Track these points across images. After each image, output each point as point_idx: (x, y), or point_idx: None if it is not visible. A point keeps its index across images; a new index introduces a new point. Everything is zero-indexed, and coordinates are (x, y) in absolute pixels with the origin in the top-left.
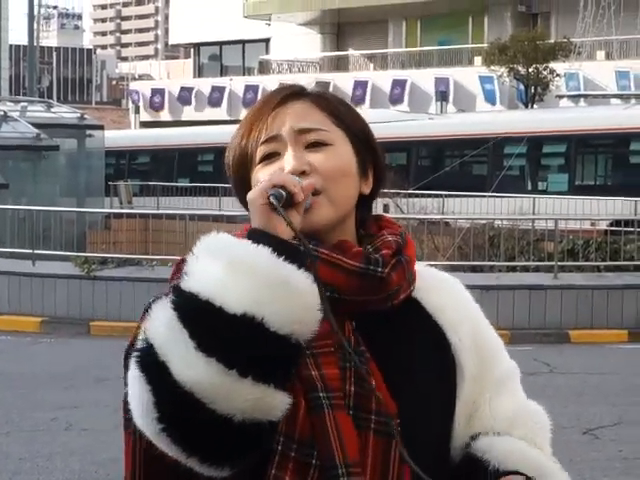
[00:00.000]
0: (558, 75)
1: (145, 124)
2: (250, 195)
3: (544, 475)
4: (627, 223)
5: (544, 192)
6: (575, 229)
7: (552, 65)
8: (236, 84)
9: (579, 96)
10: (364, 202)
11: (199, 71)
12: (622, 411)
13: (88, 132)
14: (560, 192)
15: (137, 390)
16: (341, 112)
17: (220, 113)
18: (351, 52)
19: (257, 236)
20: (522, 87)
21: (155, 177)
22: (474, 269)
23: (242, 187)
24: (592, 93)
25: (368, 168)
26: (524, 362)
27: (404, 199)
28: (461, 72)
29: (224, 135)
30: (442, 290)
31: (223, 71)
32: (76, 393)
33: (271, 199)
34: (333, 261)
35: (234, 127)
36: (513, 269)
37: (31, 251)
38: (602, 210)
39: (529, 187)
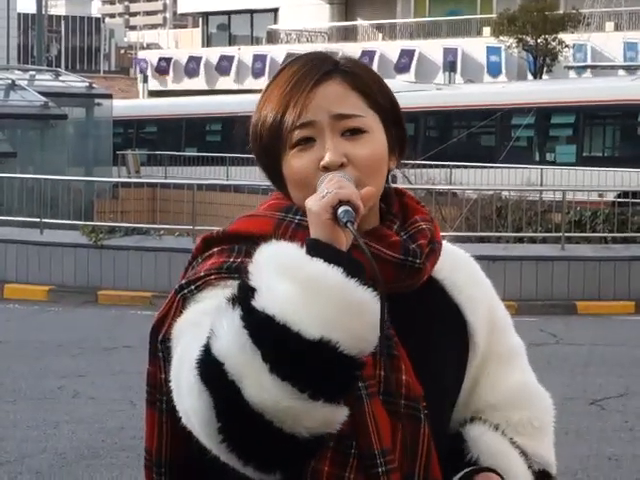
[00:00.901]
0: (567, 46)
1: (153, 93)
2: (312, 206)
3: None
4: (635, 194)
5: (552, 163)
6: (583, 200)
7: (561, 36)
8: (244, 54)
9: (588, 67)
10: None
11: (207, 41)
12: (628, 382)
13: (96, 101)
14: (568, 163)
15: (197, 402)
16: (373, 91)
17: (228, 82)
18: (359, 22)
19: (323, 251)
20: (531, 58)
21: (163, 147)
22: (481, 240)
23: (270, 162)
24: (601, 64)
25: (396, 143)
26: (531, 333)
27: (412, 170)
28: (470, 43)
29: (232, 105)
30: (459, 268)
31: (231, 41)
32: (83, 361)
33: (348, 225)
34: (372, 251)
35: (242, 97)
36: (520, 240)
37: (39, 220)
38: (610, 181)
39: (537, 158)
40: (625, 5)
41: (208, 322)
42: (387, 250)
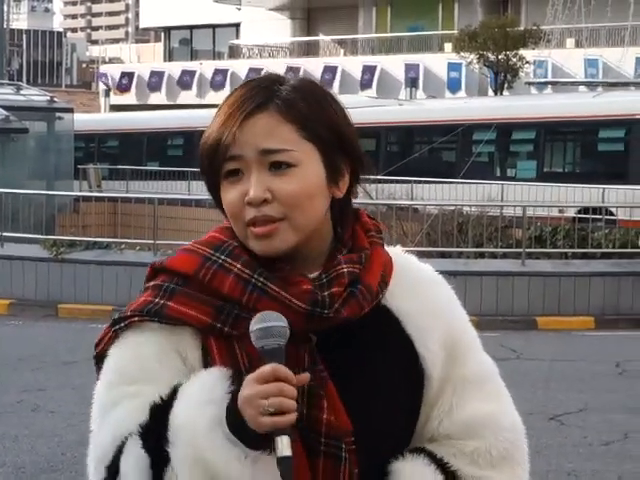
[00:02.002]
0: (528, 62)
1: (115, 107)
2: (245, 396)
3: None
4: (595, 211)
5: (513, 179)
6: (543, 216)
7: (522, 52)
8: (206, 68)
9: (549, 83)
10: (343, 199)
11: (169, 55)
12: (588, 397)
13: (57, 115)
14: (528, 179)
15: None
16: (309, 119)
17: (190, 96)
18: (321, 37)
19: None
20: (492, 74)
21: (124, 161)
22: (442, 255)
23: (212, 188)
24: (562, 80)
25: (342, 168)
26: (491, 348)
27: (373, 184)
28: (431, 58)
29: (193, 119)
30: (414, 294)
31: (193, 55)
32: (43, 375)
33: (275, 437)
34: (281, 300)
35: (203, 111)
36: (481, 255)
37: (0, 233)
38: (570, 197)
39: (498, 174)
40: (586, 22)
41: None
42: (295, 300)
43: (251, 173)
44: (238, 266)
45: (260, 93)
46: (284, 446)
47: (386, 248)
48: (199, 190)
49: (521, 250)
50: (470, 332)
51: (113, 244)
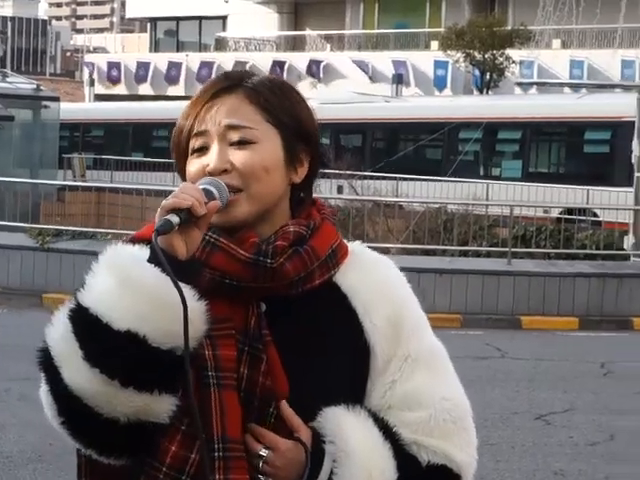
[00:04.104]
0: (514, 62)
1: (100, 97)
2: (156, 215)
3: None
4: (579, 211)
5: (498, 178)
6: (529, 216)
7: (508, 52)
8: (192, 60)
9: (539, 84)
10: (302, 187)
11: (155, 46)
12: (572, 397)
13: (43, 103)
14: (514, 178)
15: (43, 387)
16: (272, 105)
17: (177, 89)
18: (308, 32)
19: (154, 255)
20: (478, 73)
21: (109, 151)
22: (427, 253)
23: (179, 168)
24: (551, 81)
25: (301, 156)
26: (476, 347)
27: (359, 181)
28: (418, 56)
29: (179, 111)
30: (364, 273)
31: (179, 47)
32: (29, 364)
33: (153, 234)
34: (229, 251)
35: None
36: (465, 254)
37: None
38: (555, 198)
39: (484, 173)
40: (576, 23)
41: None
42: (240, 250)
43: (213, 146)
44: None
45: (229, 79)
46: (171, 216)
47: (346, 242)
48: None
49: (506, 249)
50: (417, 313)
51: (99, 234)
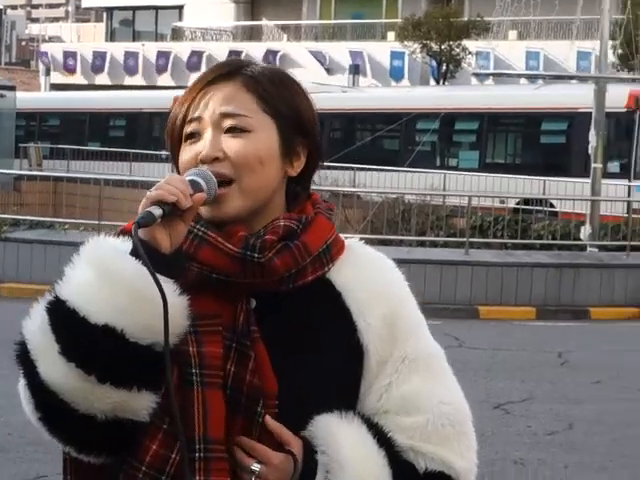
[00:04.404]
0: (470, 53)
1: (56, 87)
2: (140, 207)
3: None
4: (536, 202)
5: (455, 169)
6: (487, 206)
7: (465, 43)
8: (148, 50)
9: (497, 75)
10: (299, 181)
11: (111, 36)
12: (530, 387)
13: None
14: (471, 169)
15: (21, 380)
16: (270, 94)
17: (135, 79)
18: (265, 22)
19: (135, 247)
20: (434, 64)
21: (65, 140)
22: (385, 243)
23: (173, 156)
24: (510, 72)
25: (298, 149)
26: (434, 336)
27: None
28: (374, 46)
29: (135, 100)
30: (359, 271)
31: (135, 36)
32: None
33: (134, 226)
34: (217, 245)
35: (146, 93)
36: (423, 244)
37: None
38: (512, 188)
39: (441, 163)
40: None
41: None
42: (228, 244)
43: (207, 134)
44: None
45: (227, 67)
46: (153, 208)
47: (343, 238)
48: (141, 171)
49: (463, 239)
50: (415, 315)
51: (57, 224)
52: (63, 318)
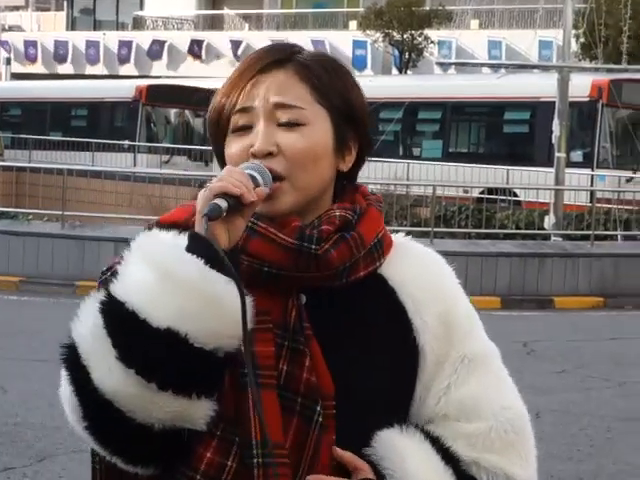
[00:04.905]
0: (432, 42)
1: (17, 76)
2: (199, 199)
3: None
4: (499, 191)
5: (418, 158)
6: (451, 196)
7: (427, 32)
8: (110, 39)
9: (462, 64)
10: (348, 176)
11: (72, 25)
12: None
13: None
14: (434, 158)
15: (66, 387)
16: (324, 85)
17: (97, 68)
18: (226, 11)
19: (194, 244)
20: (397, 53)
21: (27, 130)
22: None
23: (216, 148)
24: (474, 62)
25: (350, 142)
26: None
27: None
28: (337, 36)
29: (98, 90)
30: (412, 266)
31: (96, 25)
32: None
33: (203, 218)
34: (269, 235)
35: (108, 82)
36: None
37: None
38: (475, 178)
39: (404, 153)
40: (496, 3)
41: None
42: (284, 235)
43: (259, 125)
44: None
45: (279, 52)
46: (219, 201)
47: (390, 234)
48: (103, 162)
49: (428, 229)
50: (471, 314)
51: (20, 214)
52: (121, 320)
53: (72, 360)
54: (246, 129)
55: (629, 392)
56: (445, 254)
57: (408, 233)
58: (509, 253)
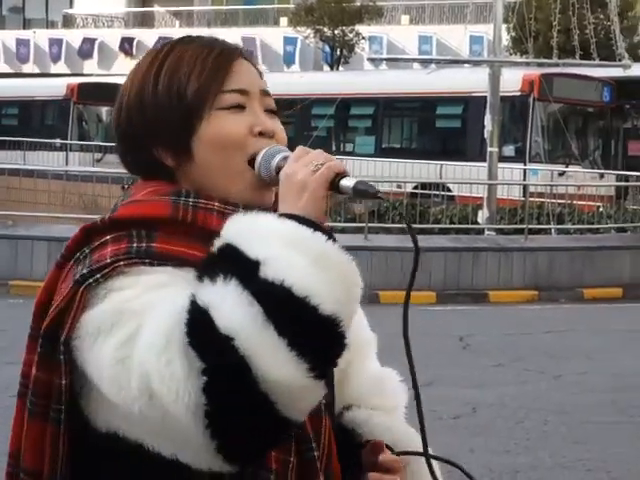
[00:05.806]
0: (363, 38)
1: None
2: (307, 181)
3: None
4: (433, 186)
5: (351, 154)
6: (385, 191)
7: (358, 28)
8: (40, 37)
9: (394, 59)
10: None
11: (1, 23)
12: (433, 372)
13: None
14: (367, 154)
15: (186, 382)
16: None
17: (28, 66)
18: (156, 9)
19: (318, 228)
20: (327, 49)
21: None
22: None
23: (189, 117)
24: (406, 57)
25: None
26: None
27: None
28: (267, 32)
29: (29, 89)
30: None
31: (26, 24)
32: None
33: (379, 195)
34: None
35: (39, 80)
36: None
37: None
38: (409, 173)
39: (337, 149)
40: None
41: (178, 302)
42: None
43: (254, 108)
44: (216, 204)
45: (229, 43)
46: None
47: None
48: (35, 160)
49: (362, 225)
50: None
51: None
52: (290, 308)
53: (222, 354)
54: (241, 108)
55: (564, 385)
56: (380, 249)
57: (343, 229)
58: (443, 248)
